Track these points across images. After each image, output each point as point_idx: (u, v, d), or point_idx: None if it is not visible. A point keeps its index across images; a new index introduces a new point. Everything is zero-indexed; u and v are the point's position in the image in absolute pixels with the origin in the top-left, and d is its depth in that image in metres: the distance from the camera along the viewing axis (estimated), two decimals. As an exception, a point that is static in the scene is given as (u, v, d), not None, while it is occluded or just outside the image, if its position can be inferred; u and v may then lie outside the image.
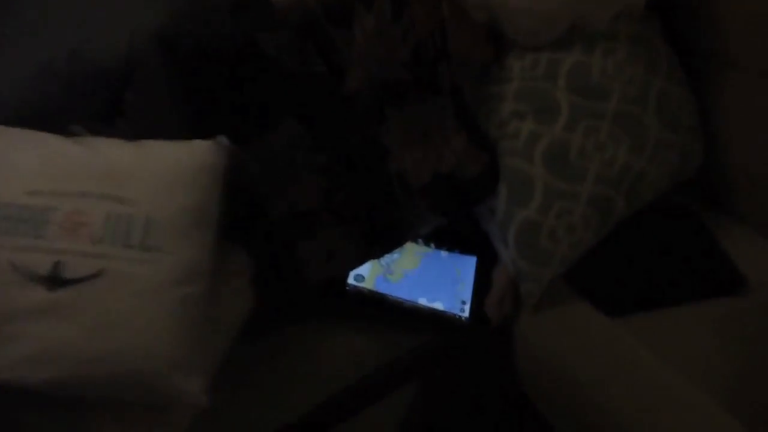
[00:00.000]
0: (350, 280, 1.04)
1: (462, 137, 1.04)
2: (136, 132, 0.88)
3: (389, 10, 0.93)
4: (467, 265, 1.08)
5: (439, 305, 1.04)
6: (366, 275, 1.05)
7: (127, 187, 0.79)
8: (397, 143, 0.99)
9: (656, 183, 1.10)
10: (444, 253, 1.09)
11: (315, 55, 0.90)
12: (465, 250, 1.09)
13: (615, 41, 1.08)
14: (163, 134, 0.87)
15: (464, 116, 1.05)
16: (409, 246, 1.08)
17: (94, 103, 0.93)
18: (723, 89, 1.18)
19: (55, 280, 0.74)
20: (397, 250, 1.06)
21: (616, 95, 1.06)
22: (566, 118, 1.04)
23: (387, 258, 1.06)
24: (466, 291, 1.05)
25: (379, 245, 1.02)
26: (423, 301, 1.04)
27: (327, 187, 0.96)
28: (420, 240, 1.09)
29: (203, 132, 0.86)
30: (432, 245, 1.10)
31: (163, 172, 0.81)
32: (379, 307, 1.03)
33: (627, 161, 1.05)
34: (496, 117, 1.08)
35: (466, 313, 1.03)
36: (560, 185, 1.03)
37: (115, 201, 0.78)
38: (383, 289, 1.04)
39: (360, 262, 1.03)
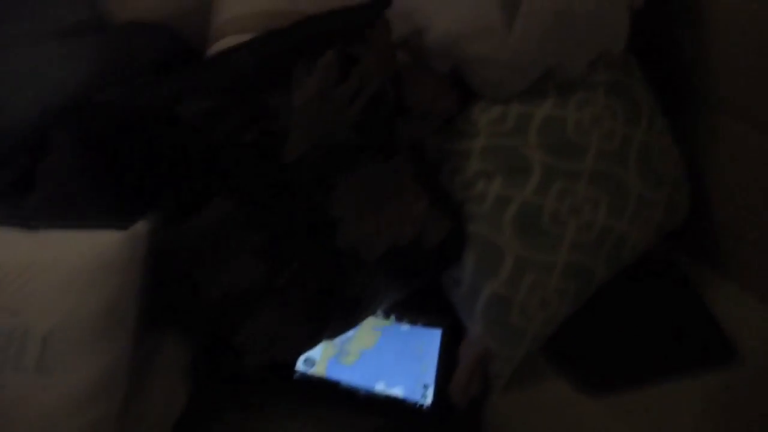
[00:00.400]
0: (299, 366, 0.94)
1: (422, 202, 0.93)
2: (47, 212, 0.78)
3: (335, 69, 0.83)
4: (431, 340, 0.97)
5: (398, 391, 0.93)
6: (317, 358, 0.94)
7: (20, 295, 0.68)
8: (348, 214, 0.87)
9: (639, 244, 1.00)
10: (405, 327, 0.98)
11: (247, 122, 0.80)
12: (429, 323, 0.99)
13: (591, 91, 0.97)
14: (78, 214, 0.76)
15: (425, 178, 0.94)
16: (367, 320, 0.97)
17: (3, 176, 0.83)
18: (712, 136, 1.08)
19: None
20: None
21: (593, 152, 0.95)
22: (538, 179, 0.94)
23: (341, 337, 0.96)
24: (429, 372, 0.94)
25: (330, 327, 0.91)
26: (380, 387, 0.93)
27: (268, 266, 0.85)
28: (379, 312, 0.99)
29: (123, 212, 0.76)
30: (392, 317, 0.99)
31: (65, 273, 0.69)
32: (331, 396, 0.93)
33: (606, 225, 0.95)
34: (461, 177, 0.97)
35: (428, 400, 0.92)
36: (532, 255, 0.92)
37: (5, 313, 0.67)
38: (336, 374, 0.93)
39: (308, 346, 0.92)
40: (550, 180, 0.93)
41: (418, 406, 0.92)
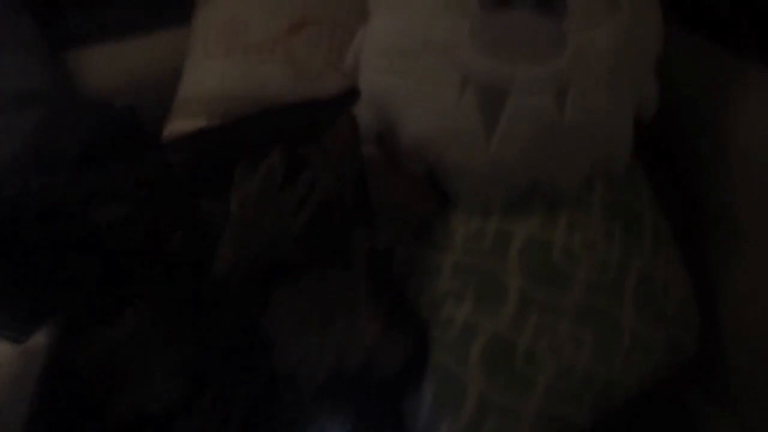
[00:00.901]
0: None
1: (377, 324, 0.82)
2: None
3: (281, 172, 0.74)
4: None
5: None
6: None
7: None
8: (285, 334, 0.77)
9: (631, 389, 0.86)
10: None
11: (172, 228, 0.71)
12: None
13: (586, 211, 0.84)
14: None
15: (384, 295, 0.83)
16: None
17: None
18: (730, 265, 0.95)
19: None
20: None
21: (581, 283, 0.82)
22: (514, 310, 0.81)
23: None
24: None
25: (256, 461, 0.81)
26: None
27: (187, 387, 0.75)
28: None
29: (22, 320, 0.68)
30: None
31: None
32: None
33: (590, 370, 0.81)
34: (428, 295, 0.85)
35: None
36: (499, 397, 0.79)
37: None
38: None
39: (230, 480, 0.81)
40: (528, 312, 0.80)
41: None
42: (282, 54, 0.88)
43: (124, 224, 0.67)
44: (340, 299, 0.79)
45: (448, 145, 0.79)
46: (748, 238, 0.89)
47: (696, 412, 0.92)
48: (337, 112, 0.77)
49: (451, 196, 0.85)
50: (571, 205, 0.84)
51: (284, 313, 0.76)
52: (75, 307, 0.69)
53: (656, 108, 0.80)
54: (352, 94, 0.78)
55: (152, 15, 1.11)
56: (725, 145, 0.87)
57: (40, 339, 0.64)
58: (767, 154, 0.85)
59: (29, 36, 0.95)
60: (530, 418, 0.78)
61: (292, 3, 0.92)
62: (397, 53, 0.79)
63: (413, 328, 0.84)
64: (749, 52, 0.88)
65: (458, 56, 0.75)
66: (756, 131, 0.85)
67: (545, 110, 0.75)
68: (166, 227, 0.69)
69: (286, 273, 0.76)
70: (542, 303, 0.81)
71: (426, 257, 0.87)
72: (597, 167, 0.82)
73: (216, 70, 0.88)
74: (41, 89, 0.88)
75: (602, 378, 0.81)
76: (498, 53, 0.75)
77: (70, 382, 0.69)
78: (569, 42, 0.74)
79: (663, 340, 0.87)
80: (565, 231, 0.83)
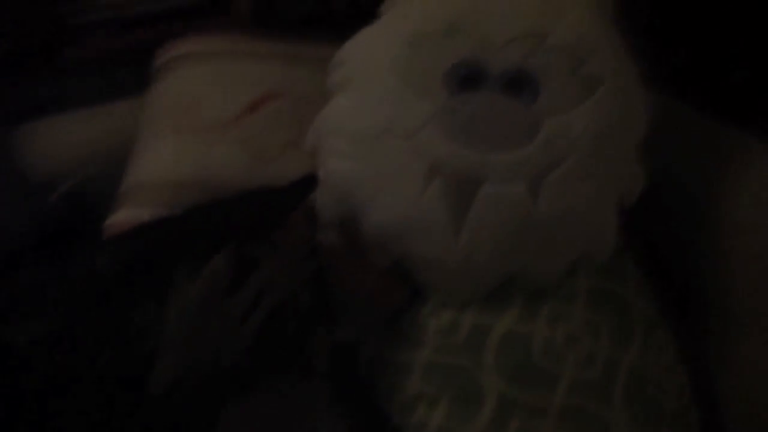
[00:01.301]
0: None
1: (341, 434, 0.75)
2: None
3: (227, 275, 0.67)
4: None
5: None
6: None
7: None
8: (238, 454, 0.71)
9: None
10: None
11: (102, 344, 0.64)
12: None
13: (568, 302, 0.77)
14: None
15: (348, 401, 0.76)
16: None
17: None
18: (730, 355, 0.88)
19: None
20: None
21: (565, 382, 0.75)
22: (492, 414, 0.73)
23: None
24: None
25: None
26: None
27: None
28: None
29: None
30: None
31: None
32: None
33: (577, 477, 0.75)
34: (399, 396, 0.77)
35: None
36: None
37: None
38: None
39: None
40: (507, 416, 0.72)
41: None
42: (237, 134, 0.82)
43: (49, 344, 0.60)
44: (300, 411, 0.72)
45: (413, 237, 0.72)
46: (747, 325, 0.82)
47: None
48: (292, 202, 0.71)
49: (422, 289, 0.78)
50: (552, 294, 0.76)
51: (235, 430, 0.69)
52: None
53: (641, 192, 0.74)
54: (308, 181, 0.72)
55: (110, 85, 1.06)
56: (720, 223, 0.80)
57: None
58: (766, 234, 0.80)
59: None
60: None
61: (252, 79, 0.86)
62: (358, 137, 0.73)
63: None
64: (746, 123, 0.82)
65: (423, 142, 0.69)
66: (754, 209, 0.78)
67: (518, 200, 0.68)
68: (96, 343, 0.62)
69: (237, 386, 0.69)
70: (523, 405, 0.73)
71: (396, 354, 0.78)
72: (579, 257, 0.75)
73: (164, 152, 0.82)
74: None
75: (590, 486, 0.74)
76: (466, 139, 0.68)
77: None
78: (543, 126, 0.68)
79: (658, 439, 0.80)
80: (546, 324, 0.76)
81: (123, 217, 0.77)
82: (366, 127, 0.72)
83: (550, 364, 0.75)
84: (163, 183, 0.79)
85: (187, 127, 0.82)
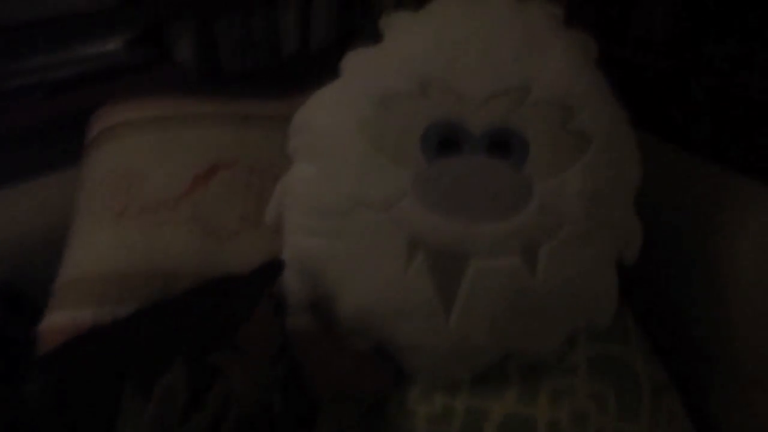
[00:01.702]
0: None
1: None
2: None
3: (183, 391, 0.57)
4: None
5: None
6: None
7: None
8: None
9: None
10: None
11: None
12: None
13: (570, 375, 0.69)
14: None
15: None
16: None
17: None
18: (732, 411, 0.82)
19: None
20: None
21: (574, 467, 0.70)
22: None
23: None
24: None
25: None
26: None
27: None
28: None
29: None
30: None
31: None
32: None
33: None
34: (392, 496, 0.71)
35: None
36: None
37: None
38: None
39: None
40: None
41: None
42: (186, 212, 0.71)
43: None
44: None
45: (398, 321, 0.64)
46: (752, 382, 0.77)
47: None
48: (255, 294, 0.62)
49: (410, 373, 0.70)
50: (552, 370, 0.69)
51: None
52: None
53: (640, 247, 0.68)
54: (272, 267, 0.63)
55: (40, 157, 0.96)
56: (722, 276, 0.74)
57: None
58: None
59: None
60: None
61: (199, 148, 0.76)
62: (327, 211, 0.64)
63: None
64: (746, 167, 0.77)
65: (401, 215, 0.61)
66: (755, 257, 0.73)
67: (514, 273, 0.61)
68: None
69: None
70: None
71: (383, 446, 0.71)
72: (578, 327, 0.69)
73: (103, 239, 0.71)
74: None
75: None
76: (449, 209, 0.61)
77: None
78: (534, 190, 0.61)
79: None
80: (549, 402, 0.68)
81: (59, 320, 0.66)
82: (335, 200, 0.63)
83: (557, 446, 0.68)
84: (104, 276, 0.68)
85: (129, 208, 0.71)
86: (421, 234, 0.61)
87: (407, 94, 0.62)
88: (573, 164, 0.61)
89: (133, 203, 0.71)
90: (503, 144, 0.62)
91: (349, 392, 0.73)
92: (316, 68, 0.73)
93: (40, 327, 0.67)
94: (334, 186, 0.63)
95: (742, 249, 0.75)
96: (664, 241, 0.76)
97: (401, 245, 0.61)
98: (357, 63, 0.66)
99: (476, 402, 0.69)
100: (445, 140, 0.62)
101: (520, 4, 0.66)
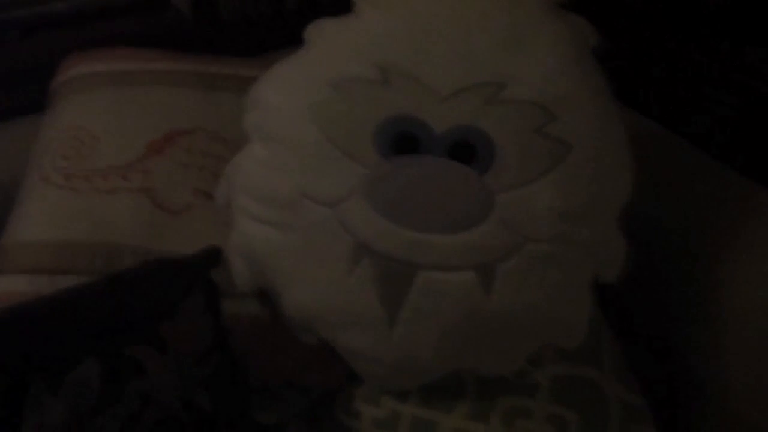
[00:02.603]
0: None
1: None
2: None
3: (96, 386, 0.53)
4: None
5: None
6: None
7: None
8: None
9: None
10: None
11: None
12: None
13: (529, 394, 0.63)
14: None
15: None
16: None
17: None
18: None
19: None
20: None
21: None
22: None
23: None
24: None
25: None
26: None
27: None
28: None
29: None
30: None
31: None
32: None
33: None
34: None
35: None
36: None
37: None
38: None
39: None
40: None
41: None
42: (137, 180, 0.66)
43: None
44: None
45: (340, 326, 0.59)
46: (739, 416, 0.71)
47: None
48: (186, 284, 0.58)
49: (356, 371, 0.66)
50: (509, 387, 0.64)
51: None
52: None
53: (622, 268, 0.61)
54: (209, 256, 0.59)
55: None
56: (717, 299, 0.67)
57: None
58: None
59: None
60: None
61: (158, 110, 0.71)
62: (274, 200, 0.58)
63: None
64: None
65: (347, 215, 0.55)
66: (757, 284, 0.65)
67: (467, 290, 0.55)
68: None
69: None
70: None
71: (326, 446, 0.68)
72: (542, 347, 0.63)
73: (50, 203, 0.66)
74: None
75: None
76: (401, 215, 0.54)
77: None
78: (497, 201, 0.54)
79: None
80: (501, 422, 0.63)
81: (-3, 285, 0.64)
82: (283, 189, 0.57)
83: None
84: (43, 243, 0.64)
85: (77, 172, 0.67)
86: (367, 238, 0.55)
87: (366, 80, 0.55)
88: (544, 175, 0.54)
89: (81, 166, 0.67)
90: (467, 146, 0.54)
91: (298, 382, 0.70)
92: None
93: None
94: (281, 174, 0.57)
95: (740, 273, 0.68)
96: (653, 255, 0.69)
97: (346, 247, 0.55)
98: (318, 37, 0.59)
99: (425, 412, 0.64)
100: (402, 136, 0.55)
101: (510, -18, 0.58)
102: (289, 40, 0.85)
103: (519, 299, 0.56)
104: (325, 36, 0.59)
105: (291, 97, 0.58)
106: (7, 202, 0.77)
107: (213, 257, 0.58)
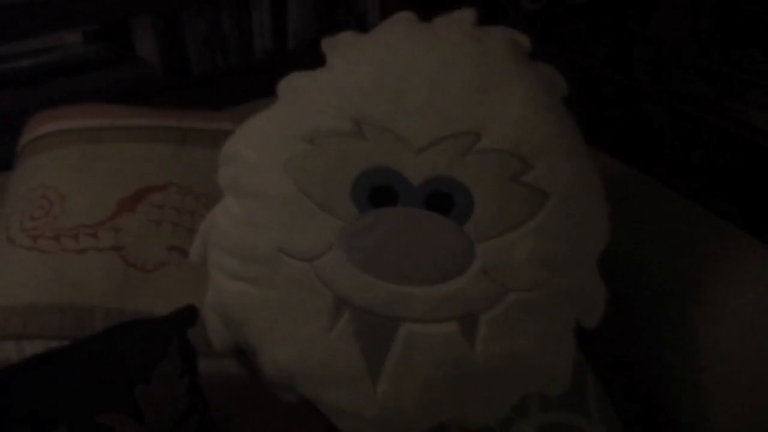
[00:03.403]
0: None
1: None
2: None
3: None
4: None
5: None
6: None
7: None
8: None
9: None
10: None
11: None
12: None
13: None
14: None
15: None
16: None
17: None
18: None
19: None
20: None
21: None
22: None
23: None
24: None
25: None
26: None
27: None
28: None
29: None
30: None
31: None
32: None
33: None
34: None
35: None
36: None
37: None
38: None
39: None
40: None
41: None
42: (108, 239, 0.65)
43: None
44: None
45: (321, 384, 0.57)
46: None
47: None
48: (159, 347, 0.56)
49: (338, 428, 0.64)
50: (496, 434, 0.65)
51: None
52: None
53: (602, 312, 0.61)
54: (185, 316, 0.57)
55: None
56: (702, 342, 0.66)
57: None
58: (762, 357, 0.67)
59: None
60: None
61: (128, 166, 0.69)
62: (248, 257, 0.57)
63: None
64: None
65: (326, 269, 0.54)
66: (742, 327, 0.65)
67: (450, 342, 0.54)
68: None
69: None
70: None
71: None
72: (527, 395, 0.62)
73: (17, 265, 0.64)
74: None
75: None
76: (381, 268, 0.53)
77: None
78: (477, 252, 0.53)
79: None
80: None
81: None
82: (258, 245, 0.56)
83: None
84: (13, 307, 0.61)
85: (45, 233, 0.64)
86: (347, 292, 0.54)
87: (341, 133, 0.55)
88: (523, 224, 0.54)
89: (50, 226, 0.65)
90: (445, 196, 0.54)
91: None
92: (295, 69, 0.67)
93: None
94: (257, 229, 0.56)
95: (724, 315, 0.68)
96: (635, 297, 0.70)
97: (326, 303, 0.54)
98: (291, 91, 0.59)
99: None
100: (379, 188, 0.55)
101: (478, 31, 0.58)
102: (260, 91, 0.87)
103: (503, 348, 0.55)
104: (297, 90, 0.59)
105: (266, 152, 0.57)
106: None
107: (189, 316, 0.56)
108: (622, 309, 0.65)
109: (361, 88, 0.56)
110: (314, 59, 0.68)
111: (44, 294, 0.63)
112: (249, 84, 1.09)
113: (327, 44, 0.60)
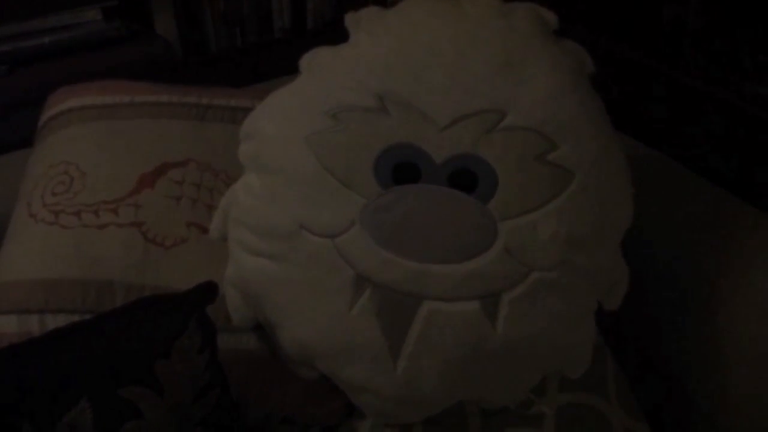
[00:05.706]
0: None
1: None
2: None
3: (89, 429, 0.52)
4: None
5: None
6: None
7: None
8: None
9: None
10: None
11: None
12: None
13: (535, 422, 0.62)
14: None
15: None
16: None
17: None
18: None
19: None
20: None
21: None
22: None
23: None
24: None
25: None
26: None
27: None
28: None
29: None
30: None
31: None
32: None
33: None
34: None
35: None
36: None
37: None
38: None
39: None
40: None
41: None
42: (129, 215, 0.65)
43: None
44: None
45: (341, 360, 0.57)
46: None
47: None
48: (180, 323, 0.56)
49: (357, 405, 0.65)
50: (516, 415, 0.62)
51: None
52: None
53: (624, 293, 0.60)
54: (204, 292, 0.57)
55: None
56: (721, 328, 0.65)
57: None
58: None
59: None
60: None
61: (148, 143, 0.69)
62: (269, 233, 0.57)
63: None
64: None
65: (348, 246, 0.54)
66: (761, 313, 0.64)
67: (471, 320, 0.53)
68: None
69: None
70: None
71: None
72: (547, 375, 0.62)
73: (39, 240, 0.65)
74: None
75: None
76: (403, 245, 0.53)
77: None
78: (500, 230, 0.53)
79: None
80: (509, 453, 0.63)
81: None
82: (280, 221, 0.56)
83: (511, 505, 0.62)
84: (35, 282, 0.62)
85: (66, 208, 0.65)
86: (368, 269, 0.54)
87: (364, 110, 0.54)
88: (547, 203, 0.53)
89: (71, 202, 0.65)
90: (468, 174, 0.54)
91: (297, 417, 0.68)
92: (313, 47, 0.66)
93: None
94: (278, 205, 0.56)
95: (744, 300, 0.67)
96: (658, 281, 0.69)
97: (347, 280, 0.54)
98: (314, 66, 0.58)
99: (428, 445, 0.63)
100: (402, 165, 0.54)
101: (504, 7, 0.57)
102: (278, 68, 0.87)
103: (524, 328, 0.55)
104: (320, 65, 0.58)
105: (288, 128, 0.57)
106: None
107: (208, 292, 0.57)
108: (641, 292, 0.65)
109: (386, 63, 0.55)
110: (333, 38, 0.67)
111: (66, 269, 0.63)
112: (267, 62, 1.10)
113: (350, 19, 0.60)
